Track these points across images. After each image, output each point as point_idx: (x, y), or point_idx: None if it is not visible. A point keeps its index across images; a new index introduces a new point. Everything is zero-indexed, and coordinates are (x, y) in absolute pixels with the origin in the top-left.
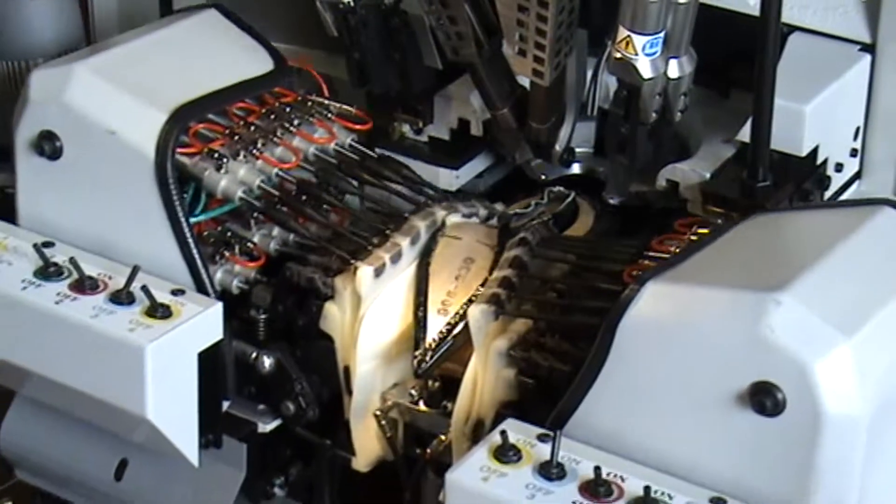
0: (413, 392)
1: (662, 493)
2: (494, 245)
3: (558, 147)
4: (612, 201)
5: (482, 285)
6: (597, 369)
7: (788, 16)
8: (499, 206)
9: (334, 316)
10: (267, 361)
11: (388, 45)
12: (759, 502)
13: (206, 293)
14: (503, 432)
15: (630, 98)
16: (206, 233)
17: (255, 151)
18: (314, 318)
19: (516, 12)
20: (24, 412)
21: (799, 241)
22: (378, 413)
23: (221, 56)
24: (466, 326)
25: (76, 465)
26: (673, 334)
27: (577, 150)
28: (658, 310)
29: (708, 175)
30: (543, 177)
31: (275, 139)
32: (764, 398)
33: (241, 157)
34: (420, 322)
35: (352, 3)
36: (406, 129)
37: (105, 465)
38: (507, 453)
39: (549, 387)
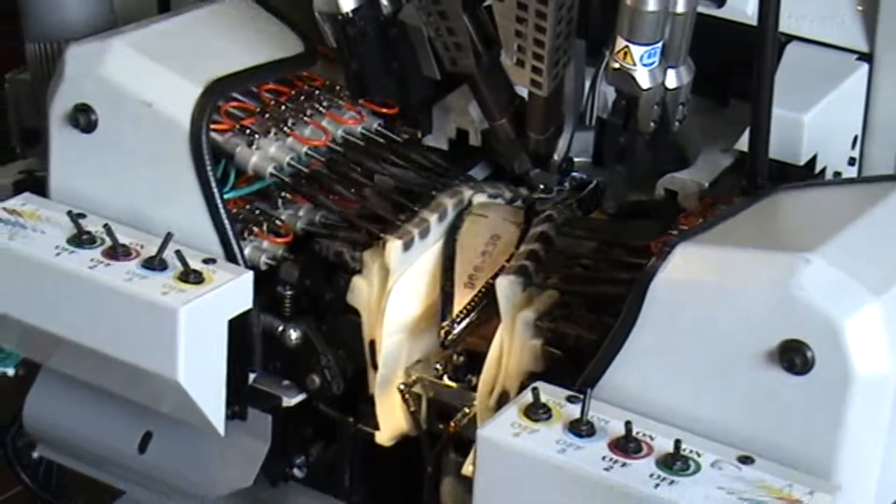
0: (438, 367)
1: (691, 451)
2: (520, 223)
3: (557, 157)
4: (609, 210)
5: (509, 260)
6: (626, 332)
7: (786, 25)
8: (523, 190)
9: (362, 289)
10: (294, 335)
11: (387, 56)
12: (786, 460)
13: (237, 263)
14: (535, 389)
15: (628, 108)
16: (235, 210)
17: (285, 129)
18: (342, 292)
19: (514, 23)
20: (49, 386)
21: (823, 211)
22: (402, 387)
23: (253, 36)
24: (493, 300)
25: (100, 438)
26: (703, 295)
27: (576, 159)
28: (688, 271)
29: (706, 184)
30: (542, 186)
31: (305, 119)
32: (793, 356)
33: (272, 134)
34: (447, 295)
35: (350, 14)
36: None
37: (130, 438)
38: (537, 411)
39: (576, 357)
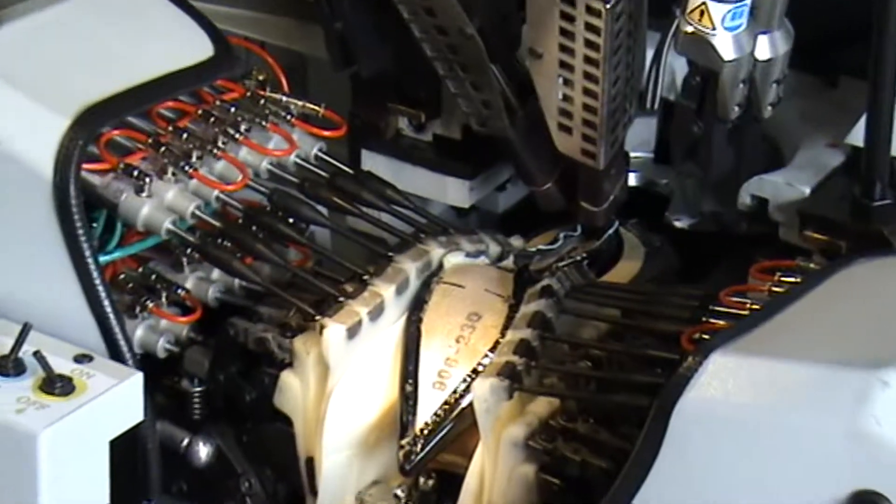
0: (399, 493)
1: None
2: (509, 296)
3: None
4: (677, 224)
5: (492, 350)
6: (645, 467)
7: None
8: (515, 242)
9: (293, 390)
10: (203, 450)
11: (381, 15)
12: None
13: (122, 359)
14: None
15: (705, 86)
16: (122, 276)
17: (187, 168)
18: (267, 393)
19: (556, 84)
20: None
21: None
22: None
23: (145, 38)
24: (471, 406)
25: None
26: (745, 423)
27: (633, 154)
28: (726, 390)
29: (807, 190)
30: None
31: (215, 151)
32: None
33: (169, 175)
34: (409, 400)
35: None
36: (403, 124)
37: None
38: None
39: (581, 490)
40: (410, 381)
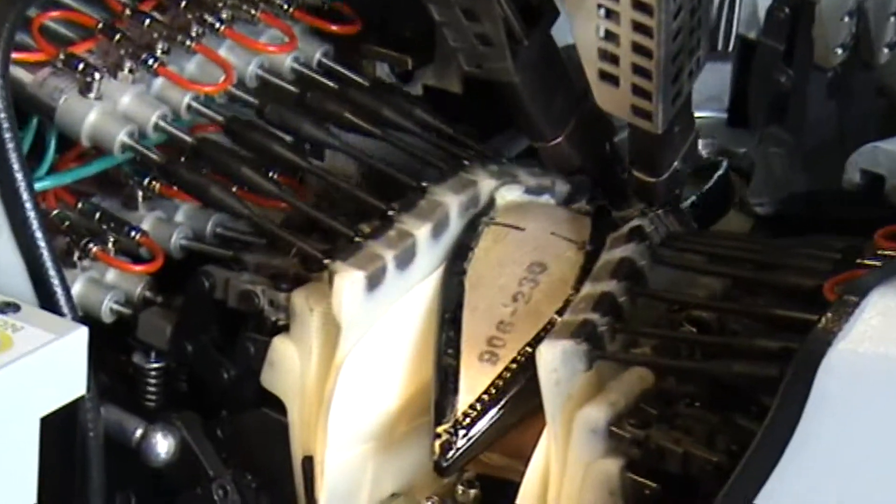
0: None
1: None
2: (584, 242)
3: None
4: (759, 210)
5: (561, 310)
6: (776, 449)
7: None
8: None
9: (289, 363)
10: (162, 445)
11: None
12: None
13: (59, 312)
14: None
15: (796, 21)
16: (56, 213)
17: (151, 63)
18: (252, 368)
19: (596, 16)
20: None
21: None
22: None
23: None
24: (532, 382)
25: None
26: None
27: (699, 114)
28: (890, 339)
29: None
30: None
31: (188, 43)
32: None
33: (125, 71)
34: (448, 376)
35: None
36: (383, 72)
37: None
38: None
39: (682, 493)
40: (451, 350)
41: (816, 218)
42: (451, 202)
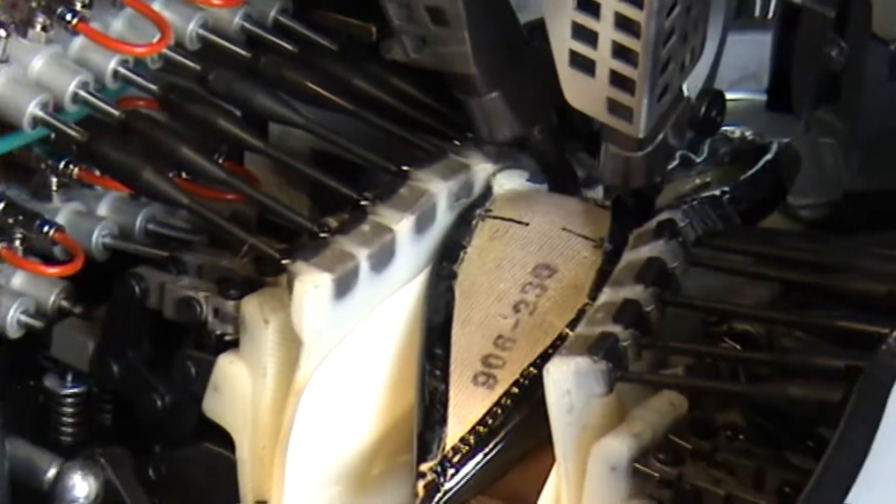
0: None
1: None
2: (602, 239)
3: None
4: (805, 213)
5: (574, 322)
6: (838, 494)
7: None
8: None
9: (238, 386)
10: (82, 486)
11: None
12: None
13: None
14: None
15: None
16: None
17: (70, 18)
18: (192, 393)
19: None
20: None
21: None
22: None
23: None
24: (537, 409)
25: None
26: None
27: (732, 96)
28: None
29: None
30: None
31: None
32: None
33: (37, 29)
34: (433, 402)
35: None
36: None
37: None
38: None
39: None
40: (438, 372)
41: (875, 224)
42: (439, 190)
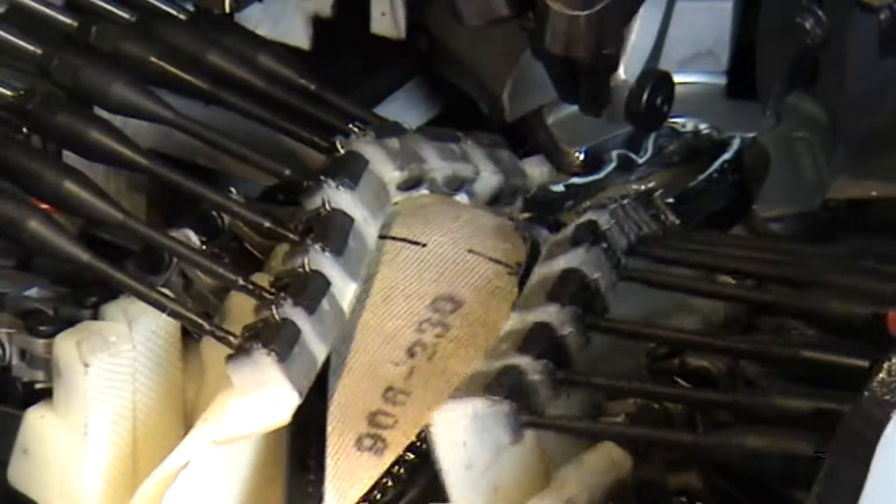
0: None
1: None
2: (519, 264)
3: (624, 74)
4: (774, 227)
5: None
6: None
7: None
8: (535, 168)
9: (51, 448)
10: None
11: None
12: None
13: None
14: None
15: None
16: None
17: None
18: None
19: None
20: None
21: None
22: None
23: None
24: (438, 479)
25: None
26: None
27: (681, 79)
28: None
29: None
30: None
31: None
32: None
33: None
34: (305, 473)
35: None
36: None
37: None
38: None
39: None
40: (312, 435)
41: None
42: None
